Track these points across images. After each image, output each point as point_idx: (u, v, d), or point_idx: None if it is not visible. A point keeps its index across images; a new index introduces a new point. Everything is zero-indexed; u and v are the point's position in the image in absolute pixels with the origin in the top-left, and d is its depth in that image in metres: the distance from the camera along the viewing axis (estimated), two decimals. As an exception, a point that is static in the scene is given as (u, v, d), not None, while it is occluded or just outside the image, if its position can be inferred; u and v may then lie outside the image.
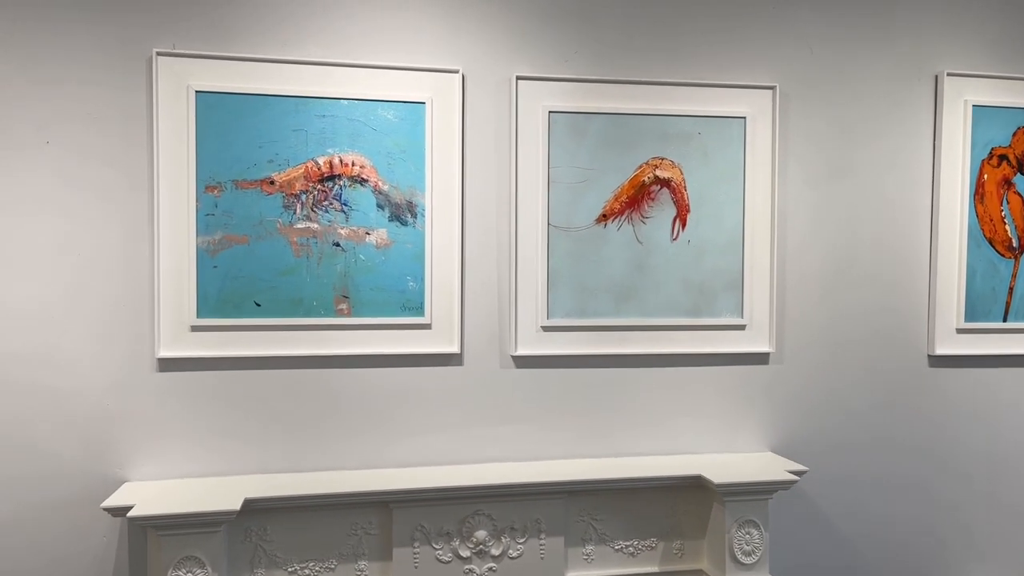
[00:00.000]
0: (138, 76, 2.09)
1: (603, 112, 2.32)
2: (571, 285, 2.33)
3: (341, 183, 2.19)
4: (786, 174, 2.45)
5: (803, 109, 2.46)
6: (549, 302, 2.32)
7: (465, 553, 2.16)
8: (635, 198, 2.36)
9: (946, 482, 2.60)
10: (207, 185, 2.12)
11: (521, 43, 2.30)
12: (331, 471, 2.22)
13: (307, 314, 2.18)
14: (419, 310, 2.24)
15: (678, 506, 2.30)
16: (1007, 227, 2.57)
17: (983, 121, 2.54)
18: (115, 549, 2.13)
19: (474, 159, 2.28)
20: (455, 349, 2.27)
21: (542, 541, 2.20)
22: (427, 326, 2.25)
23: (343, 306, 2.20)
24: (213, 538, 1.93)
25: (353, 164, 2.19)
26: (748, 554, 2.20)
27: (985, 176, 2.55)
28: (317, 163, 2.17)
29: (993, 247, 2.56)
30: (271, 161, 2.15)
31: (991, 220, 2.56)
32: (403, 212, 2.23)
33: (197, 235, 2.11)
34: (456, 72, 2.24)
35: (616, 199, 2.35)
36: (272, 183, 2.15)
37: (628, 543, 2.28)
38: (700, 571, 2.31)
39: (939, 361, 2.57)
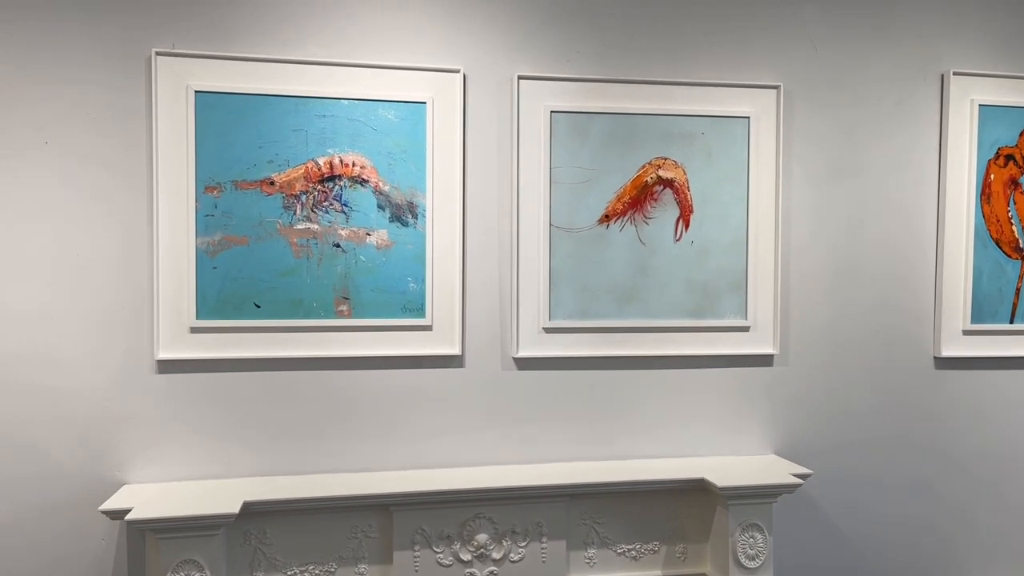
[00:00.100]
0: (137, 76, 2.08)
1: (605, 112, 2.30)
2: (573, 286, 2.31)
3: (341, 184, 2.17)
4: (790, 174, 2.43)
5: (807, 109, 2.44)
6: (551, 303, 2.30)
7: (466, 556, 2.14)
8: (638, 198, 2.34)
9: (952, 485, 2.58)
10: (207, 186, 2.11)
11: (523, 42, 2.29)
12: (331, 474, 2.21)
13: (307, 315, 2.17)
14: (420, 311, 2.23)
15: (681, 509, 2.28)
16: (1014, 227, 2.55)
17: (990, 121, 2.51)
18: (114, 551, 2.12)
19: (475, 159, 2.26)
20: (456, 351, 2.25)
21: (543, 544, 2.19)
22: (428, 327, 2.24)
23: (343, 307, 2.19)
24: (212, 541, 1.92)
25: (353, 164, 2.18)
26: (752, 558, 2.18)
27: (992, 176, 2.53)
28: (317, 163, 2.16)
29: (1000, 248, 2.54)
30: (271, 161, 2.13)
31: (998, 220, 2.54)
32: (404, 213, 2.21)
33: (196, 236, 2.10)
34: (457, 72, 2.22)
35: (619, 199, 2.33)
36: (272, 184, 2.14)
37: (630, 547, 2.26)
38: (703, 575, 2.29)
39: (945, 363, 2.55)
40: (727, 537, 2.18)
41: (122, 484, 2.10)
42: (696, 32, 2.37)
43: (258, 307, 2.15)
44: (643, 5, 2.35)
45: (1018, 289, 2.56)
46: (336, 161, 2.17)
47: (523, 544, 2.18)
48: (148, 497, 1.99)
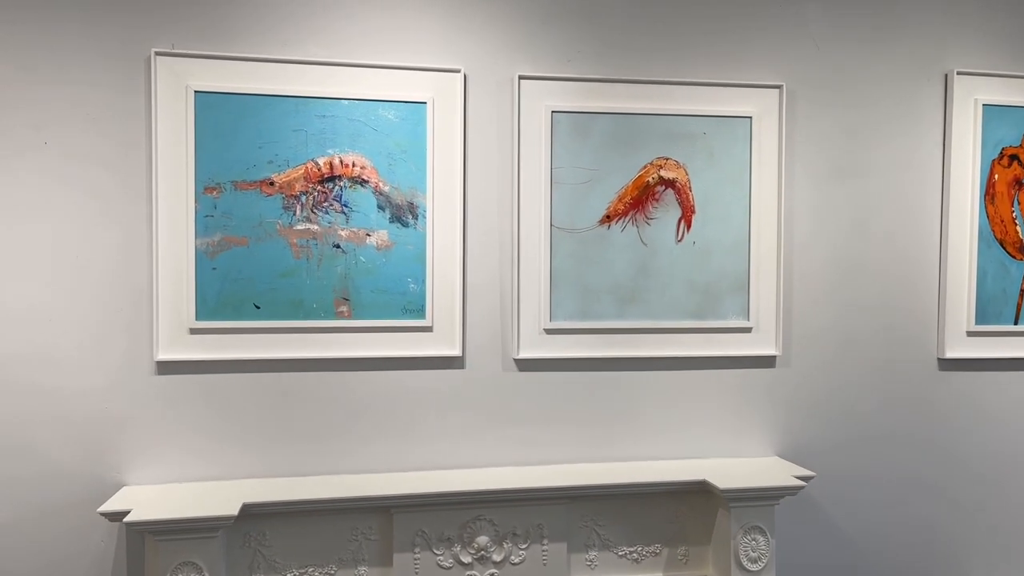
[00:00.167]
0: (137, 76, 2.07)
1: (607, 112, 2.29)
2: (574, 287, 2.30)
3: (341, 184, 2.17)
4: (793, 174, 2.42)
5: (810, 109, 2.43)
6: (552, 304, 2.29)
7: (466, 559, 2.13)
8: (639, 199, 2.33)
9: (956, 487, 2.56)
10: (206, 186, 2.10)
11: (523, 42, 2.28)
12: (331, 475, 2.20)
13: (307, 316, 2.16)
14: (420, 312, 2.22)
15: (683, 512, 2.27)
16: (1018, 228, 2.53)
17: (993, 120, 2.50)
18: (113, 553, 2.11)
19: (476, 160, 2.25)
20: (456, 352, 2.24)
21: (544, 547, 2.18)
22: (428, 329, 2.23)
23: (343, 308, 2.18)
24: (211, 543, 1.91)
25: (353, 165, 2.17)
26: (754, 561, 2.17)
27: (996, 176, 2.52)
28: (317, 164, 2.15)
29: (1004, 248, 2.52)
30: (271, 162, 2.13)
31: (1002, 221, 2.52)
32: (404, 213, 2.20)
33: (196, 237, 2.09)
34: (458, 72, 2.21)
35: (620, 200, 2.32)
36: (272, 184, 2.13)
37: (632, 549, 2.25)
38: (705, 578, 2.28)
39: (949, 364, 2.53)
40: (729, 539, 2.16)
41: (121, 485, 2.10)
42: (698, 31, 2.36)
43: (258, 308, 2.14)
44: (644, 4, 2.34)
45: (1022, 290, 2.54)
46: (336, 161, 2.16)
47: (524, 546, 2.17)
48: (147, 499, 1.99)
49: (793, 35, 2.42)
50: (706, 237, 2.36)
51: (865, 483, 2.50)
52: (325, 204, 2.16)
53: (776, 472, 2.27)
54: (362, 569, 2.10)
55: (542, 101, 2.27)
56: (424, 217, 2.21)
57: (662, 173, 2.34)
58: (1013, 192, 2.53)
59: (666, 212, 2.34)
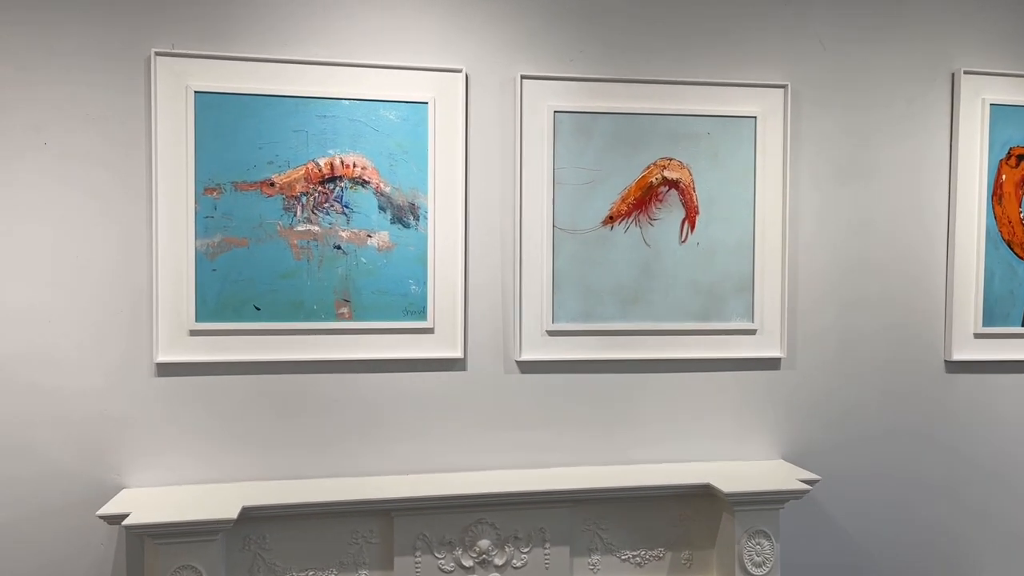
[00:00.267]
0: (136, 76, 2.06)
1: (610, 112, 2.27)
2: (577, 288, 2.28)
3: (342, 185, 2.15)
4: (798, 175, 2.40)
5: (815, 108, 2.41)
6: (554, 306, 2.27)
7: (468, 563, 2.12)
8: (642, 200, 2.31)
9: (964, 490, 2.53)
10: (206, 187, 2.09)
11: (526, 41, 2.26)
12: (331, 478, 2.18)
13: (308, 318, 2.15)
14: (421, 314, 2.20)
15: (686, 515, 2.25)
16: (1026, 229, 2.51)
17: (1001, 120, 2.47)
18: (113, 555, 2.10)
19: (478, 160, 2.24)
20: (458, 354, 2.22)
21: (547, 551, 2.16)
22: (430, 330, 2.21)
23: (344, 310, 2.16)
24: (210, 547, 1.90)
25: (354, 165, 2.15)
26: (758, 565, 2.14)
27: (1003, 176, 2.49)
28: (318, 164, 2.14)
29: (1011, 249, 2.50)
30: (271, 162, 2.11)
31: (1009, 222, 2.50)
32: (405, 214, 2.19)
33: (196, 238, 2.08)
34: (459, 71, 2.20)
35: (623, 200, 2.30)
36: (272, 185, 2.12)
37: (635, 553, 2.23)
38: (709, 582, 2.26)
39: (956, 367, 2.51)
40: (733, 544, 2.14)
41: (121, 487, 2.09)
42: (701, 31, 2.34)
43: (258, 309, 2.12)
44: (648, 3, 2.32)
45: (1030, 291, 2.52)
46: (337, 162, 2.15)
47: (526, 550, 2.15)
48: (146, 501, 1.98)
49: (798, 34, 2.40)
50: (710, 238, 2.34)
51: (871, 486, 2.48)
52: (326, 205, 2.15)
53: (781, 475, 2.25)
54: (363, 573, 2.09)
55: (544, 101, 2.25)
56: (425, 218, 2.19)
57: (666, 173, 2.32)
58: (1021, 192, 2.50)
59: (670, 213, 2.32)
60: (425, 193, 2.19)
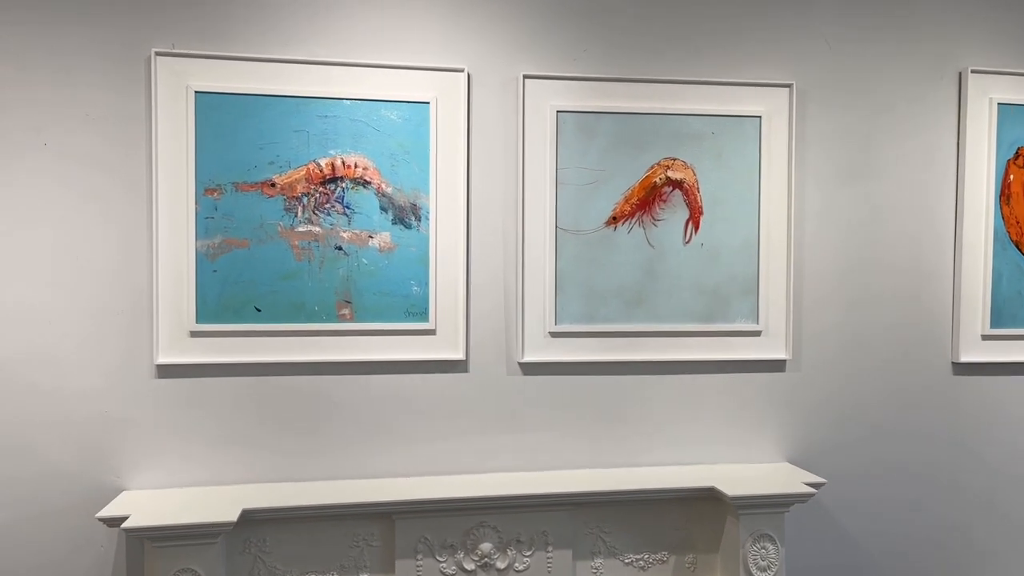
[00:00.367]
0: (137, 77, 2.06)
1: (613, 111, 2.26)
2: (580, 290, 2.27)
3: (343, 185, 2.14)
4: (803, 175, 2.38)
5: (821, 108, 2.38)
6: (557, 307, 2.26)
7: (470, 566, 2.10)
8: (646, 200, 2.29)
9: (972, 494, 2.51)
10: (207, 188, 2.08)
11: (528, 41, 2.25)
12: (332, 481, 2.17)
13: (309, 319, 2.14)
14: (423, 315, 2.19)
15: (690, 519, 2.23)
16: (1034, 229, 2.48)
17: (1009, 119, 2.45)
18: (113, 558, 2.09)
19: (480, 160, 2.22)
20: (460, 355, 2.21)
21: (549, 554, 2.14)
22: (431, 332, 2.20)
23: (345, 311, 2.15)
24: (210, 550, 1.88)
25: (356, 166, 2.14)
26: (763, 569, 2.12)
27: (1011, 176, 2.47)
28: (319, 165, 2.13)
29: (1019, 250, 2.48)
30: (272, 163, 2.10)
31: (1017, 222, 2.47)
32: (407, 215, 2.17)
33: (196, 239, 2.07)
34: (461, 71, 2.18)
35: (626, 201, 2.28)
36: (273, 185, 2.11)
37: (638, 556, 2.21)
38: (713, 586, 2.24)
39: (964, 369, 2.48)
40: (738, 547, 2.12)
41: (121, 489, 2.08)
42: (706, 30, 2.32)
43: (259, 311, 2.11)
44: (651, 2, 2.30)
45: (1039, 293, 2.49)
46: (338, 162, 2.13)
47: (528, 553, 2.13)
48: (146, 503, 1.97)
49: (803, 33, 2.38)
50: (714, 239, 2.32)
51: (877, 489, 2.46)
52: (327, 206, 2.14)
53: (786, 479, 2.22)
54: (364, 576, 2.08)
55: (547, 101, 2.23)
56: (427, 219, 2.18)
57: (669, 174, 2.30)
58: (1029, 193, 2.48)
59: (673, 213, 2.30)
60: (427, 193, 2.18)
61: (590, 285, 2.27)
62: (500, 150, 2.24)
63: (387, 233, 2.16)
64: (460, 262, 2.20)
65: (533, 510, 2.12)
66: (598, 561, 2.20)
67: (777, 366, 2.39)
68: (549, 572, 2.14)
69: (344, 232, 2.14)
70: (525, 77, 2.21)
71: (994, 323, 2.47)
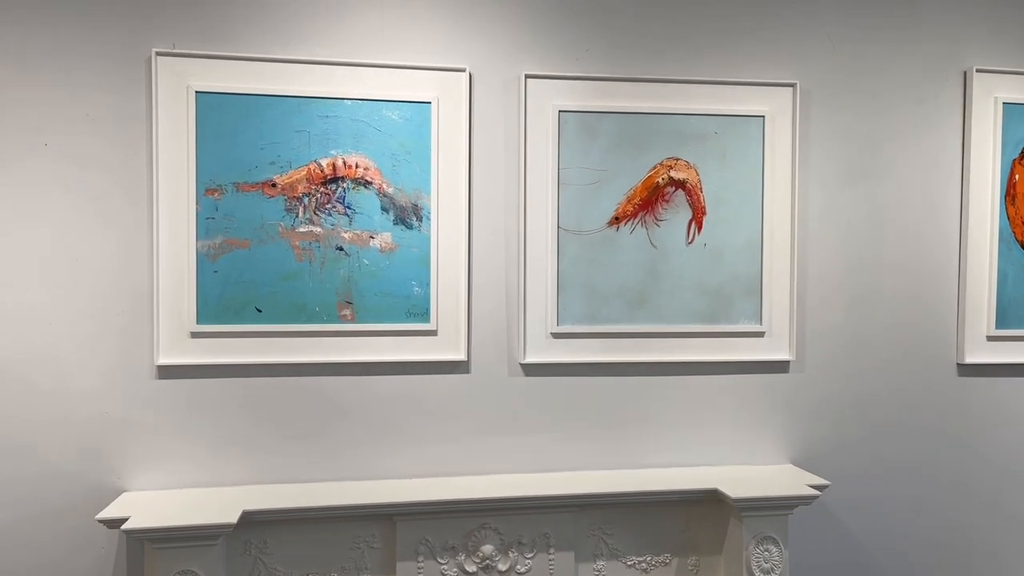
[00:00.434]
0: (137, 77, 2.05)
1: (615, 111, 2.25)
2: (582, 290, 2.26)
3: (344, 185, 2.13)
4: (807, 175, 2.36)
5: (825, 107, 2.37)
6: (559, 308, 2.25)
7: (471, 568, 2.09)
8: (649, 200, 2.28)
9: (976, 496, 2.49)
10: (207, 188, 2.07)
11: (530, 40, 2.24)
12: (333, 482, 2.16)
13: (310, 320, 2.13)
14: (424, 316, 2.18)
15: (693, 521, 2.22)
16: (1040, 230, 2.47)
17: (1014, 119, 2.44)
18: (114, 559, 2.08)
19: (481, 160, 2.21)
20: (461, 356, 2.20)
21: (551, 556, 2.13)
22: (433, 332, 2.19)
23: (346, 312, 2.14)
24: (210, 551, 1.88)
25: (357, 166, 2.13)
26: (767, 572, 2.11)
27: (1017, 176, 2.45)
28: (320, 165, 2.12)
29: (1025, 250, 2.46)
30: (273, 163, 2.09)
31: (1023, 222, 2.45)
32: (408, 215, 2.16)
33: (197, 239, 2.06)
34: (463, 71, 2.17)
35: (629, 201, 2.27)
36: (274, 186, 2.10)
37: (641, 559, 2.20)
38: (716, 588, 2.23)
39: (968, 370, 2.47)
40: (741, 550, 2.11)
41: (121, 491, 2.07)
42: (709, 29, 2.31)
43: (260, 311, 2.11)
44: (654, 1, 2.29)
45: (1044, 293, 2.48)
46: (339, 162, 2.13)
47: (530, 555, 2.12)
48: (146, 505, 1.96)
49: (807, 32, 2.36)
50: (717, 239, 2.31)
51: (882, 491, 2.44)
52: (328, 206, 2.13)
53: (789, 480, 2.21)
54: (365, 578, 2.07)
55: (549, 100, 2.22)
56: (428, 219, 2.17)
57: (672, 174, 2.29)
58: (1035, 193, 2.46)
59: (676, 214, 2.29)
60: (428, 194, 2.17)
61: (592, 286, 2.26)
62: (502, 150, 2.23)
63: (388, 233, 2.16)
64: (461, 262, 2.19)
65: (535, 512, 2.11)
66: (600, 563, 2.18)
67: (781, 367, 2.37)
68: (551, 574, 2.13)
69: (345, 232, 2.14)
70: (527, 77, 2.20)
71: (999, 324, 2.45)
